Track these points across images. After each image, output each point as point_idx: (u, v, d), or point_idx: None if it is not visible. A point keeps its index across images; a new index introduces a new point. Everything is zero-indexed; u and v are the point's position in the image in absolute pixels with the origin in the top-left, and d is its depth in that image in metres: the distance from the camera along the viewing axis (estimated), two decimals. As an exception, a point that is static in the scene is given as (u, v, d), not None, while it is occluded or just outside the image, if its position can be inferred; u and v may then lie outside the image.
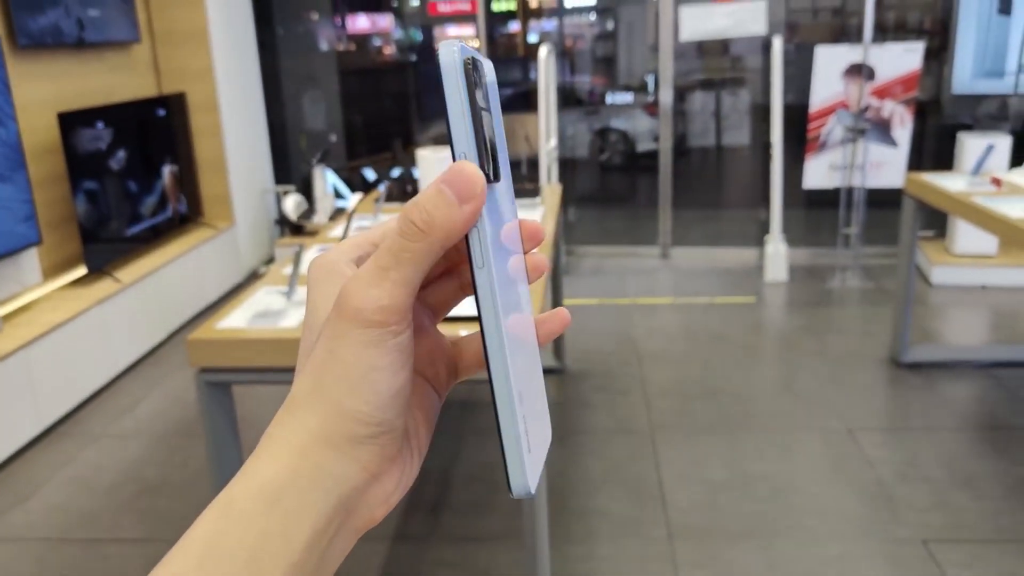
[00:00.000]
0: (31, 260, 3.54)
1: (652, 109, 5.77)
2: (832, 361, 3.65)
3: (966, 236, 4.46)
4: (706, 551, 2.38)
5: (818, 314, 4.27)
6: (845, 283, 4.64)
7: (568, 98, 6.27)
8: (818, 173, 4.65)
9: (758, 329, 4.14)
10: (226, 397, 2.07)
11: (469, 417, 3.25)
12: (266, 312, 2.14)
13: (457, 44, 0.33)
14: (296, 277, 2.22)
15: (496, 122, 0.35)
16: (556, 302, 3.49)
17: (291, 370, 2.02)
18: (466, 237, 0.34)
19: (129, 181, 4.12)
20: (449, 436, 3.10)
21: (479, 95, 0.34)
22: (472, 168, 0.33)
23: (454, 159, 0.33)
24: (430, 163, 3.17)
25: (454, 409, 3.32)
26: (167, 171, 4.46)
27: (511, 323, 0.35)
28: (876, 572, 2.28)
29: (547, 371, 3.53)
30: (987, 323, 4.19)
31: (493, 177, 0.34)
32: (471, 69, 0.33)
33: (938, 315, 4.23)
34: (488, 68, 0.35)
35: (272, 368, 2.01)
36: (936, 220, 4.63)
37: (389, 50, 6.59)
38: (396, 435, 0.36)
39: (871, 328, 3.99)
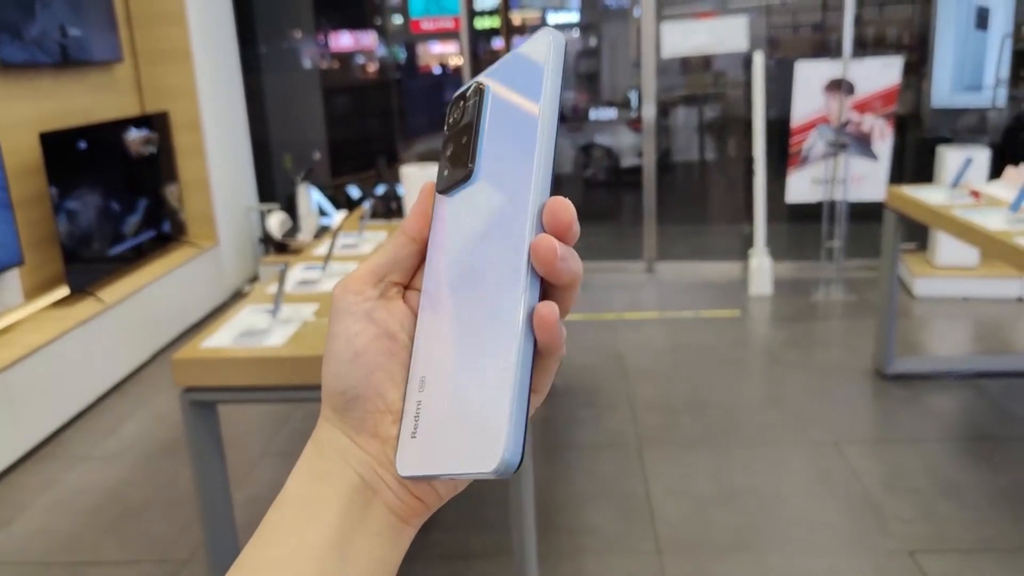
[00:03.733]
0: (12, 281, 3.52)
1: (636, 125, 5.81)
2: (817, 373, 3.67)
3: (948, 248, 4.50)
4: (695, 565, 2.38)
5: (803, 327, 4.29)
6: (829, 296, 4.67)
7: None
8: (800, 187, 4.69)
9: (743, 342, 4.16)
10: (211, 416, 2.06)
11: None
12: (251, 331, 2.13)
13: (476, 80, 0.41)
14: (281, 296, 2.21)
15: (483, 135, 0.39)
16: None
17: (276, 388, 2.01)
18: None
19: (112, 201, 4.10)
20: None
21: (456, 113, 0.40)
22: (428, 183, 0.42)
23: None
24: (415, 180, 3.18)
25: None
26: (168, 191, 4.44)
27: (435, 307, 0.38)
28: (864, 584, 2.28)
29: (534, 387, 3.52)
30: (970, 334, 4.22)
31: (447, 184, 0.40)
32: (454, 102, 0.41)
33: (922, 327, 4.26)
34: (493, 84, 0.40)
35: (257, 387, 2.00)
36: (918, 232, 4.67)
37: (373, 67, 6.60)
38: (367, 405, 0.39)
39: (855, 340, 4.01)
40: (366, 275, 0.41)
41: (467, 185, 0.39)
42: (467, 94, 0.40)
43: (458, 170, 0.39)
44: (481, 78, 0.40)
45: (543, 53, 0.36)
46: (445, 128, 0.40)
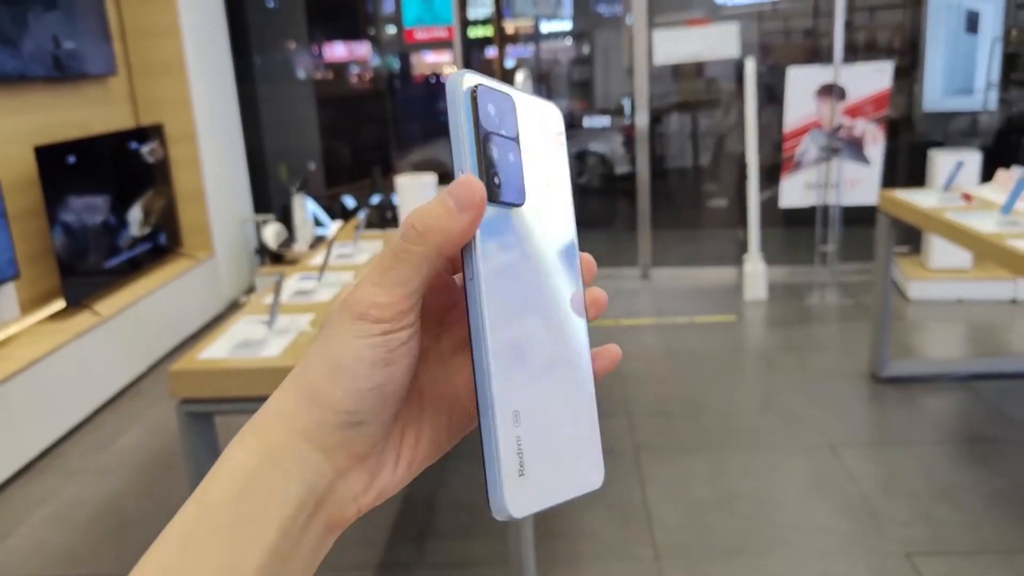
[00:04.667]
0: (8, 294, 3.52)
1: (629, 132, 5.83)
2: (813, 377, 3.68)
3: (941, 251, 4.52)
4: (693, 570, 2.38)
5: (798, 331, 4.30)
6: (824, 300, 4.69)
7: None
8: (794, 192, 4.71)
9: (739, 347, 4.17)
10: (208, 428, 2.06)
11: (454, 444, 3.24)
12: (247, 342, 2.14)
13: (464, 73, 0.35)
14: (277, 306, 2.22)
15: (515, 153, 0.37)
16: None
17: (273, 399, 2.02)
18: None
19: (107, 214, 4.11)
20: (435, 463, 3.09)
21: (491, 121, 0.35)
22: (474, 181, 0.35)
23: (454, 175, 0.35)
24: (409, 189, 3.19)
25: (438, 435, 3.31)
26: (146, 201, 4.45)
27: (511, 338, 0.36)
28: (862, 587, 2.29)
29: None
30: (964, 336, 4.24)
31: (502, 197, 0.36)
32: (479, 96, 0.35)
33: (916, 329, 4.28)
34: (520, 103, 0.37)
35: (254, 398, 2.00)
36: (911, 236, 4.69)
37: (366, 78, 6.62)
38: (368, 432, 0.38)
39: (850, 344, 4.03)
40: (403, 300, 0.36)
41: (515, 207, 0.37)
42: (501, 102, 0.36)
43: (510, 190, 0.37)
44: (508, 90, 0.38)
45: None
46: (469, 119, 0.35)
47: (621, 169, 6.22)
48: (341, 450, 0.37)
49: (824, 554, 2.44)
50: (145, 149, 4.43)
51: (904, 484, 2.78)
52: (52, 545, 2.69)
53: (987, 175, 3.73)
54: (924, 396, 3.44)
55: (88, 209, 3.94)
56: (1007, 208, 2.89)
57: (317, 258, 2.94)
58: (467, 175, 0.35)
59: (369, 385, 0.36)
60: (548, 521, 2.66)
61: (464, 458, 3.10)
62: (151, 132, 4.57)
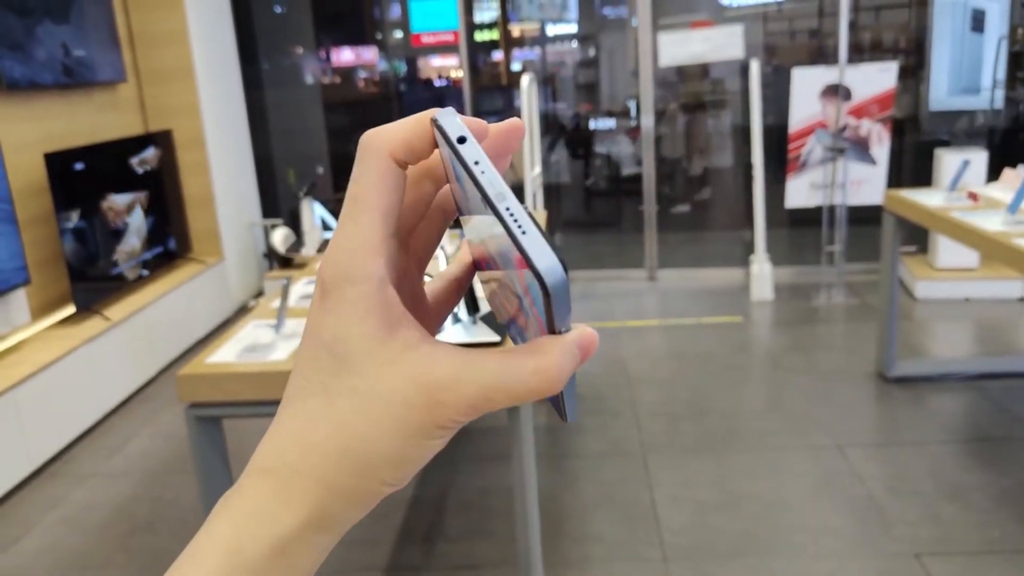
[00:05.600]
0: (19, 300, 3.55)
1: (635, 134, 5.83)
2: (820, 378, 3.68)
3: (948, 250, 4.51)
4: (700, 571, 2.38)
5: (804, 331, 4.30)
6: (830, 300, 4.68)
7: (551, 125, 6.33)
8: (800, 192, 4.71)
9: (745, 348, 4.17)
10: (216, 431, 2.08)
11: (462, 445, 3.25)
12: (255, 346, 2.16)
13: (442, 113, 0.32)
14: (284, 311, 2.24)
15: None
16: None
17: (280, 402, 2.03)
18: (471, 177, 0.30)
19: (117, 219, 4.14)
20: (442, 465, 3.11)
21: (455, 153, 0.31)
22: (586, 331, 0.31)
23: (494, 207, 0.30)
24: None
25: (446, 437, 3.32)
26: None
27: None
28: (869, 587, 2.29)
29: (537, 396, 3.54)
30: (972, 335, 4.23)
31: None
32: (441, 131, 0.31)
33: (923, 329, 4.27)
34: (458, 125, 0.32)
35: (262, 401, 2.02)
36: (918, 235, 4.69)
37: (374, 82, 6.65)
38: None
39: (857, 344, 4.02)
40: (378, 238, 0.31)
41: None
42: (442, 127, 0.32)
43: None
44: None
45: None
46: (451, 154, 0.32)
47: (627, 171, 6.23)
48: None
49: (832, 555, 2.44)
50: (137, 159, 4.46)
51: (912, 484, 2.78)
52: (63, 549, 2.71)
53: (994, 174, 3.73)
54: (932, 396, 3.43)
55: (97, 215, 3.97)
56: (1014, 207, 2.88)
57: (324, 262, 2.95)
58: (580, 331, 0.31)
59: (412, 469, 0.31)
60: (556, 523, 2.67)
61: (471, 460, 3.12)
62: (158, 138, 4.60)
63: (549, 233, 4.21)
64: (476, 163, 0.29)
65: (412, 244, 0.35)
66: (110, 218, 4.08)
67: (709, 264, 5.39)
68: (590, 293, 5.14)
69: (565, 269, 0.28)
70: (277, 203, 5.73)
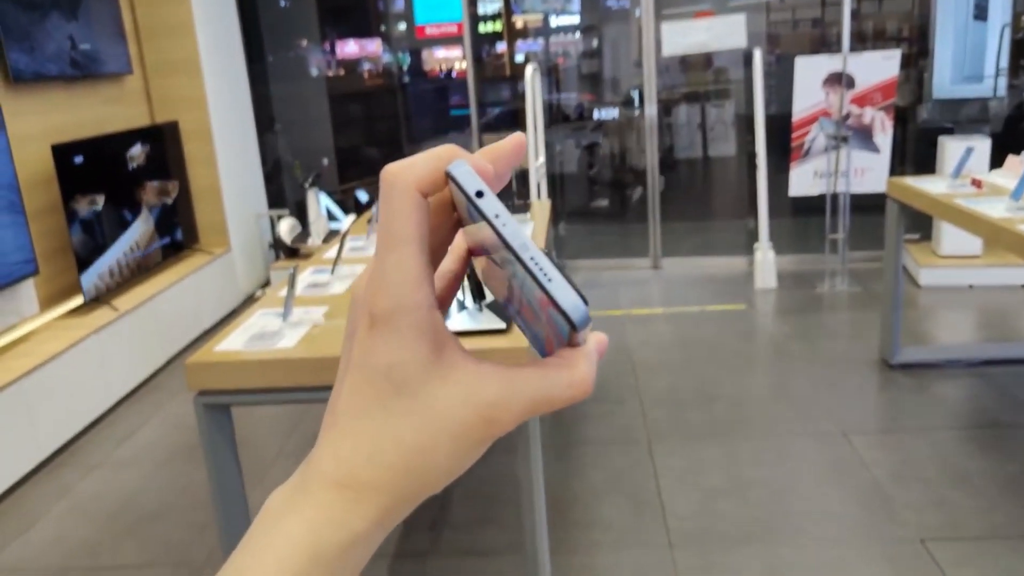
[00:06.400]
0: (28, 291, 3.57)
1: (638, 123, 5.83)
2: (824, 365, 3.69)
3: (951, 237, 4.51)
4: (706, 558, 2.40)
5: (808, 319, 4.31)
6: (834, 288, 4.69)
7: (555, 115, 6.34)
8: (803, 181, 4.71)
9: (750, 336, 4.18)
10: (225, 419, 2.10)
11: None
12: (262, 334, 2.17)
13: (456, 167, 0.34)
14: (291, 299, 2.25)
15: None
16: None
17: (288, 390, 2.05)
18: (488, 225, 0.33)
19: (124, 210, 4.16)
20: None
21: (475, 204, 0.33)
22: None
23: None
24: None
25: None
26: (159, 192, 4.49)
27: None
28: (876, 573, 2.30)
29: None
30: (976, 322, 4.24)
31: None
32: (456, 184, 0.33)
33: (927, 316, 4.28)
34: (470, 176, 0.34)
35: (269, 389, 2.04)
36: (922, 223, 4.69)
37: (378, 74, 6.65)
38: None
39: (861, 331, 4.03)
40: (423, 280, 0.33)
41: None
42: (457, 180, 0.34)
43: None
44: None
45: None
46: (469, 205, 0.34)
47: (631, 161, 6.23)
48: None
49: (837, 541, 2.45)
50: (143, 151, 4.48)
51: (917, 470, 2.79)
52: (73, 538, 2.74)
53: (997, 161, 3.73)
54: (936, 382, 3.44)
55: (104, 206, 3.99)
56: (1017, 193, 2.89)
57: (331, 251, 2.97)
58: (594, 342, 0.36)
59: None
60: (562, 510, 2.68)
61: (478, 448, 3.13)
62: (165, 130, 4.61)
63: (552, 223, 4.22)
64: (496, 216, 0.32)
65: (434, 259, 0.38)
66: (117, 209, 4.10)
67: (713, 253, 5.40)
68: (595, 282, 5.15)
69: (586, 302, 0.32)
70: (283, 194, 5.74)
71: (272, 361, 2.04)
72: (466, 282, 2.21)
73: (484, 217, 0.32)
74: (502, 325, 2.00)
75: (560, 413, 3.38)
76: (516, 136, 0.36)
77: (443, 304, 0.39)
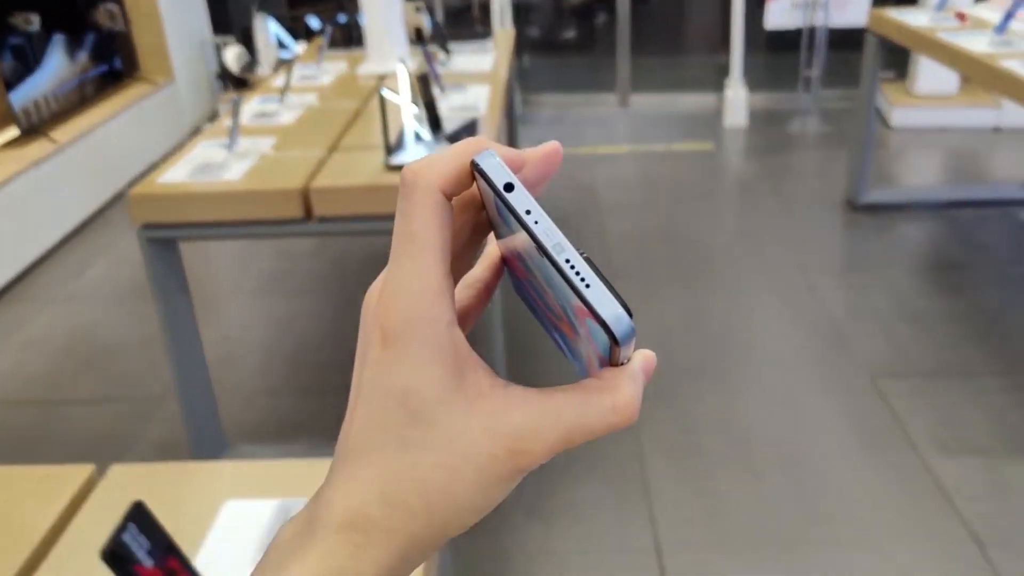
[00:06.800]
0: (-43, 120, 3.35)
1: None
2: (790, 205, 3.66)
3: (927, 76, 4.39)
4: (665, 388, 2.43)
5: (777, 159, 4.24)
6: (805, 127, 4.60)
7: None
8: (780, 12, 4.50)
9: (717, 175, 4.12)
10: (172, 254, 2.01)
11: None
12: (207, 165, 2.05)
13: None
14: (237, 128, 2.12)
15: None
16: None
17: (235, 224, 1.96)
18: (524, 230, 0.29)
19: (58, 33, 3.86)
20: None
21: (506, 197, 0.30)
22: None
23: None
24: (376, 7, 2.99)
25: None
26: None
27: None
28: (825, 407, 2.35)
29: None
30: (944, 164, 4.21)
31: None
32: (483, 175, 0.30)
33: (896, 157, 4.23)
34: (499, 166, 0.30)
35: (216, 222, 1.94)
36: (898, 60, 4.55)
37: None
38: None
39: (829, 172, 3.98)
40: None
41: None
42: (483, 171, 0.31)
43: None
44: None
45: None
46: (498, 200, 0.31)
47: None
48: None
49: (791, 376, 2.49)
50: (90, -38, 4.11)
51: (873, 309, 2.82)
52: (29, 372, 2.70)
53: (983, -6, 3.57)
54: (899, 224, 3.44)
55: (35, 30, 3.69)
56: (1001, 28, 2.77)
57: (279, 79, 2.79)
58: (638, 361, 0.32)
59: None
60: (516, 339, 2.69)
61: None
62: (96, -57, 4.22)
63: (516, 54, 4.01)
64: (528, 212, 0.28)
65: (455, 267, 0.33)
66: (48, 33, 3.80)
67: (683, 89, 5.23)
68: (560, 119, 5.00)
69: (630, 314, 0.28)
70: (229, 20, 5.38)
71: (218, 194, 1.94)
72: (423, 111, 2.08)
73: (513, 213, 0.28)
74: (460, 158, 1.90)
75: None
76: (551, 144, 0.32)
77: (469, 317, 0.35)
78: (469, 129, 2.09)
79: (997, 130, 4.39)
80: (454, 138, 2.03)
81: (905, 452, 2.16)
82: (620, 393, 0.30)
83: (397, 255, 0.30)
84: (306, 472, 1.12)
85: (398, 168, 1.90)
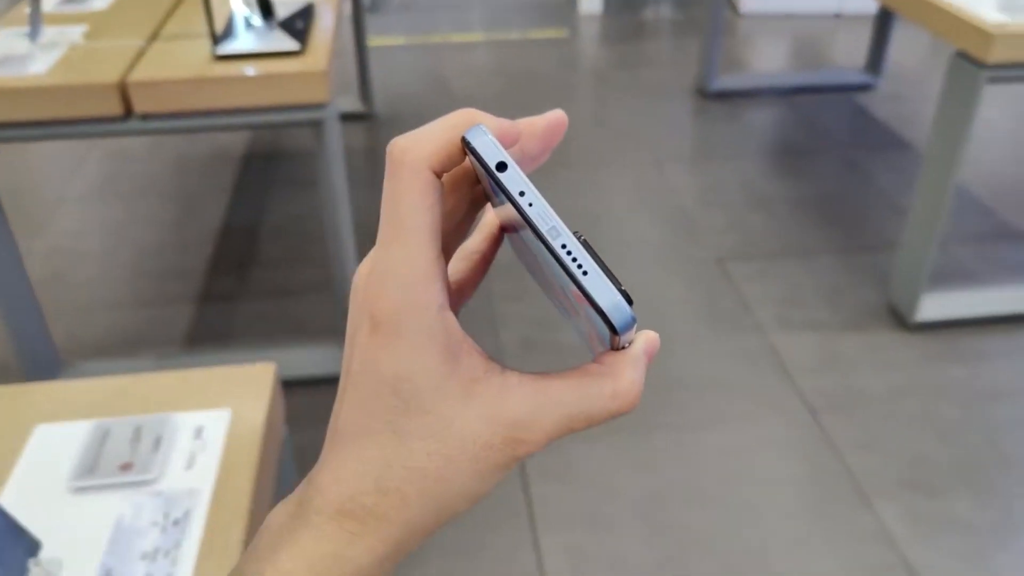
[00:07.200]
0: None
1: None
2: (643, 94, 3.67)
3: (774, -38, 4.44)
4: (517, 284, 2.43)
5: (630, 47, 4.23)
6: (658, 14, 4.59)
7: None
8: None
9: (571, 64, 4.07)
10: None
11: (275, 168, 3.07)
12: (7, 58, 1.83)
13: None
14: (39, 15, 1.89)
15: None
16: (359, 44, 3.23)
17: (44, 123, 1.76)
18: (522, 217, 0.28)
19: None
20: (253, 190, 2.93)
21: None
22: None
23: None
24: None
25: (257, 161, 3.12)
26: None
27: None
28: (675, 291, 2.43)
29: (353, 116, 3.35)
30: (789, 50, 4.31)
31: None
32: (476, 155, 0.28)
33: (745, 44, 4.30)
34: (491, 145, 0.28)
35: (22, 123, 1.75)
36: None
37: None
38: None
39: (681, 60, 4.01)
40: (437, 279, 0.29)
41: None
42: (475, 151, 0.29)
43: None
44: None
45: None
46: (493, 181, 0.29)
47: None
48: None
49: (642, 264, 2.55)
50: None
51: (721, 195, 2.90)
52: None
53: None
54: (747, 110, 3.52)
55: None
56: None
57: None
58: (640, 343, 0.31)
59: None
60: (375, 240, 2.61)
61: (284, 185, 2.96)
62: None
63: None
64: (521, 194, 0.27)
65: (450, 243, 0.32)
66: None
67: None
68: (410, 5, 4.78)
69: (630, 301, 0.27)
70: None
71: (22, 90, 1.74)
72: (252, -4, 1.91)
73: (506, 195, 0.27)
74: (295, 46, 1.77)
75: (374, 147, 3.22)
76: (555, 113, 0.32)
77: (466, 290, 0.34)
78: (303, 15, 1.94)
79: (839, 16, 4.52)
80: (288, 24, 1.88)
81: (750, 332, 2.27)
82: (621, 379, 0.30)
83: (385, 238, 0.28)
84: (128, 388, 1.04)
85: (227, 58, 1.76)
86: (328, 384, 2.07)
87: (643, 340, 0.31)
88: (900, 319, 2.28)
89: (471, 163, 0.29)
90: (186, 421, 0.94)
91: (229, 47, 1.77)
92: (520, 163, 0.29)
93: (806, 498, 1.81)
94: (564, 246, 0.27)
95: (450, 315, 0.29)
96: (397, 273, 0.28)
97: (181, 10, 2.13)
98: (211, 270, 2.52)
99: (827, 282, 2.46)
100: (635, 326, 0.28)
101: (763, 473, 1.87)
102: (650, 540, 1.71)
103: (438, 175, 0.28)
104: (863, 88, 3.65)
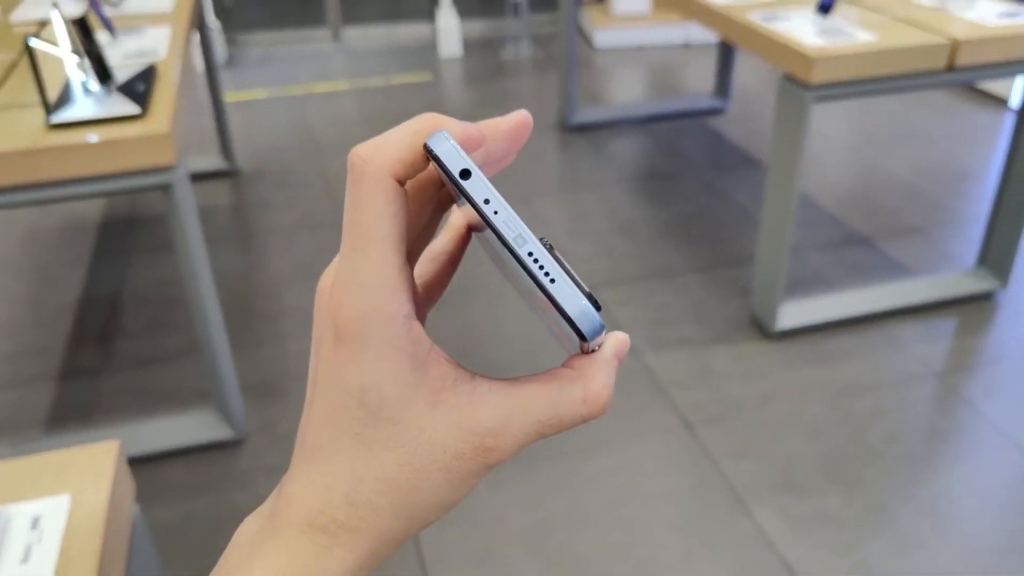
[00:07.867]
0: None
1: None
2: (508, 131, 3.73)
3: (623, -2, 4.64)
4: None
5: (494, 86, 4.31)
6: (517, 53, 4.71)
7: None
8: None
9: (437, 107, 4.11)
10: None
11: (134, 234, 2.97)
12: None
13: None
14: None
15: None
16: (215, 100, 3.18)
17: None
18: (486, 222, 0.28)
19: None
20: (112, 258, 2.82)
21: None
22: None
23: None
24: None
25: (115, 227, 3.01)
26: None
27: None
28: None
29: (214, 174, 3.28)
30: (644, 81, 4.49)
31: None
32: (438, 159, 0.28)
33: (602, 77, 4.45)
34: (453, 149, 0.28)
35: None
36: (596, -17, 4.75)
37: None
38: None
39: (543, 96, 4.12)
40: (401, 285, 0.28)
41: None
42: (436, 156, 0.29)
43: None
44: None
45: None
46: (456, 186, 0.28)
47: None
48: None
49: (512, 296, 2.57)
50: None
51: (588, 224, 2.98)
52: None
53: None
54: (608, 141, 3.64)
55: None
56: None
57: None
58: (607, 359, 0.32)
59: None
60: (247, 303, 2.55)
61: (145, 250, 2.86)
62: None
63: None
64: (487, 201, 0.27)
65: (416, 247, 0.33)
66: None
67: (396, 19, 5.15)
68: (269, 58, 4.74)
69: (598, 307, 0.28)
70: None
71: None
72: (88, 61, 1.86)
73: (471, 203, 0.27)
74: (135, 109, 1.72)
75: (238, 204, 3.16)
76: (519, 113, 0.31)
77: (434, 292, 0.34)
78: (145, 77, 1.89)
79: (687, 46, 4.75)
80: (128, 87, 1.84)
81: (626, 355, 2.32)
82: (592, 383, 0.30)
83: (348, 248, 0.28)
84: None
85: (62, 126, 1.69)
86: (204, 452, 2.00)
87: (613, 343, 0.31)
88: (763, 329, 2.39)
89: (435, 169, 0.29)
90: (22, 511, 0.89)
91: (64, 115, 1.71)
92: (484, 165, 0.29)
93: (688, 510, 1.86)
94: (531, 254, 0.27)
95: (417, 324, 0.28)
96: (361, 284, 0.27)
97: (13, 79, 2.05)
98: (71, 345, 2.40)
99: (694, 300, 2.55)
100: (604, 331, 0.29)
101: (646, 490, 1.91)
102: (543, 572, 1.72)
103: (401, 182, 0.28)
104: (714, 112, 3.84)
